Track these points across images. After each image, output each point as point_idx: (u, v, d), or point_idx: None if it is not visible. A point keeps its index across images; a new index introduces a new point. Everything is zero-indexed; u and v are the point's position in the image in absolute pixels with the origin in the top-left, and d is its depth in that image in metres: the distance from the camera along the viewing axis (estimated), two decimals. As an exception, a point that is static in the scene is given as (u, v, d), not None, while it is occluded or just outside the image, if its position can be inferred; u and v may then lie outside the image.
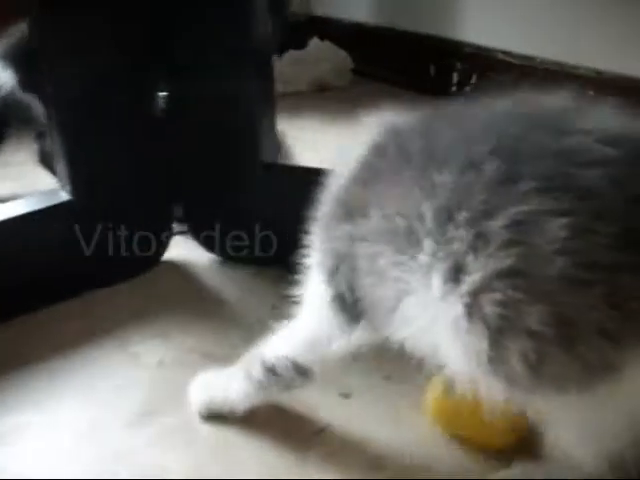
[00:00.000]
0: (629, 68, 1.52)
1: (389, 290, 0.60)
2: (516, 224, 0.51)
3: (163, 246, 1.07)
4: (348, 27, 2.07)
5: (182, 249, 1.11)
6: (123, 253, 1.01)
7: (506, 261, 0.51)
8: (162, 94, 1.00)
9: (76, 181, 0.96)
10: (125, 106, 0.97)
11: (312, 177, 1.07)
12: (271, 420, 0.79)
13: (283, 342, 0.74)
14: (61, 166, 0.97)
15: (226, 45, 0.97)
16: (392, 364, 0.87)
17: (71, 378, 0.85)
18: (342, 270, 0.65)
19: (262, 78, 1.01)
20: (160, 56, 0.97)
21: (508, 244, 0.52)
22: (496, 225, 0.52)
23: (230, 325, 0.94)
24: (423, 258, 0.56)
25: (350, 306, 0.66)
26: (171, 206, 1.07)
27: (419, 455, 0.74)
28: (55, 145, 0.96)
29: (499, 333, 0.53)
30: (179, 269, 1.07)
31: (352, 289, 0.65)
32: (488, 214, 0.52)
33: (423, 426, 0.77)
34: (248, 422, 0.78)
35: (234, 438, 0.77)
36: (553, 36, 1.64)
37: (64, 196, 0.96)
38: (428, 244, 0.56)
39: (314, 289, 0.72)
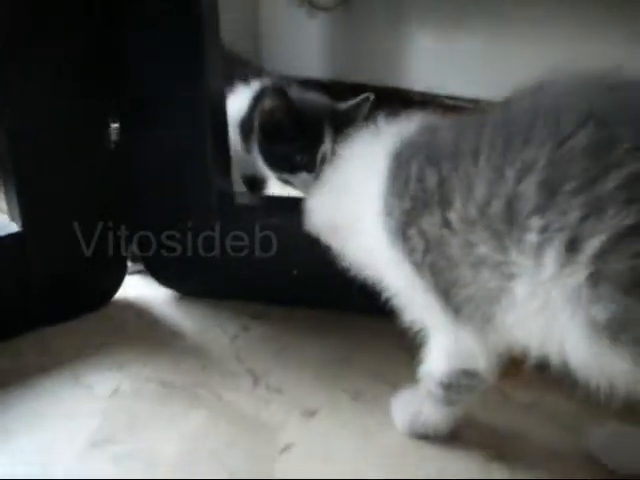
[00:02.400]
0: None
1: (492, 279, 0.59)
2: (629, 183, 0.52)
3: (118, 281, 1.04)
4: (301, 83, 2.10)
5: (138, 285, 1.08)
6: (77, 288, 0.99)
7: (628, 219, 0.52)
8: (114, 126, 0.99)
9: (26, 214, 0.93)
10: (76, 138, 0.95)
11: (271, 206, 1.07)
12: (236, 439, 0.76)
13: (439, 360, 0.71)
14: (10, 198, 0.95)
15: (178, 83, 0.97)
16: (358, 382, 0.85)
17: (24, 410, 0.81)
18: (438, 267, 0.64)
19: (215, 111, 1.01)
20: (113, 88, 0.97)
21: (626, 203, 0.52)
22: (608, 188, 0.53)
23: (188, 355, 0.92)
24: (531, 237, 0.56)
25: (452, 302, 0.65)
26: (124, 242, 1.05)
27: (387, 471, 0.72)
28: (4, 176, 0.94)
29: (635, 287, 0.52)
30: (135, 305, 1.04)
31: (451, 284, 0.64)
32: (597, 179, 0.53)
33: (391, 444, 0.75)
34: (213, 441, 0.75)
35: (198, 458, 0.73)
36: (497, 78, 1.68)
37: (14, 227, 0.94)
38: (536, 222, 0.56)
39: (420, 300, 0.69)
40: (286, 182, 1.16)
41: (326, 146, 1.12)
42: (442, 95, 1.79)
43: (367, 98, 1.19)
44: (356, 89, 1.94)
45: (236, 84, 1.19)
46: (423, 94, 1.83)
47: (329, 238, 0.78)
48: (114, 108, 0.98)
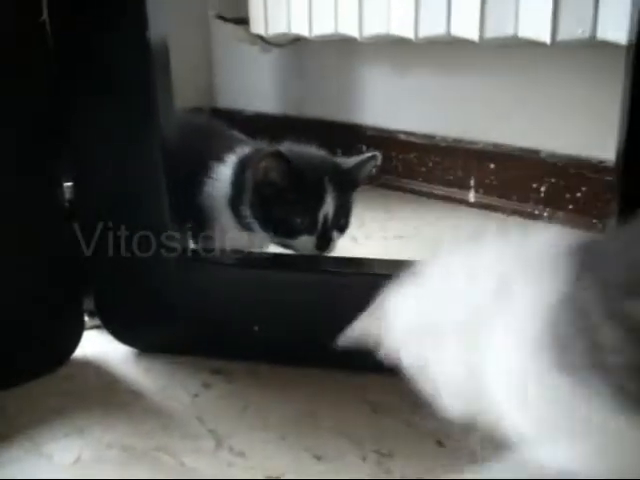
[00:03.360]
0: (526, 141, 1.60)
1: None
2: None
3: (76, 338, 1.03)
4: (253, 118, 2.11)
5: (96, 342, 1.07)
6: (32, 348, 0.97)
7: None
8: (67, 184, 0.98)
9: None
10: (29, 196, 0.95)
11: (230, 262, 1.07)
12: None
13: None
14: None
15: (125, 135, 0.97)
16: (322, 440, 0.85)
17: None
18: None
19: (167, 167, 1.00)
20: (65, 144, 0.96)
21: None
22: None
23: (149, 416, 0.91)
24: None
25: None
26: (81, 299, 1.04)
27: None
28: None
29: None
30: (93, 364, 1.03)
31: None
32: None
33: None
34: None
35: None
36: (450, 114, 1.71)
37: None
38: None
39: None
40: (286, 246, 1.11)
41: (328, 206, 1.07)
42: (395, 130, 1.81)
43: (374, 156, 1.14)
44: (309, 124, 1.96)
45: (220, 156, 1.13)
46: (376, 129, 1.85)
47: (406, 345, 0.63)
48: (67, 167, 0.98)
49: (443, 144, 1.73)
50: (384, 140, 1.83)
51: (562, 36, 1.37)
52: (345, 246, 1.43)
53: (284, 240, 1.09)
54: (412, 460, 0.82)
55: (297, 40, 1.91)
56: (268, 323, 0.98)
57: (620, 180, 0.88)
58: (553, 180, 1.56)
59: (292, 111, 2.03)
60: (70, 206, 0.99)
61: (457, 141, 1.70)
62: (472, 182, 1.68)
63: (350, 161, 1.14)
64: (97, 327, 1.09)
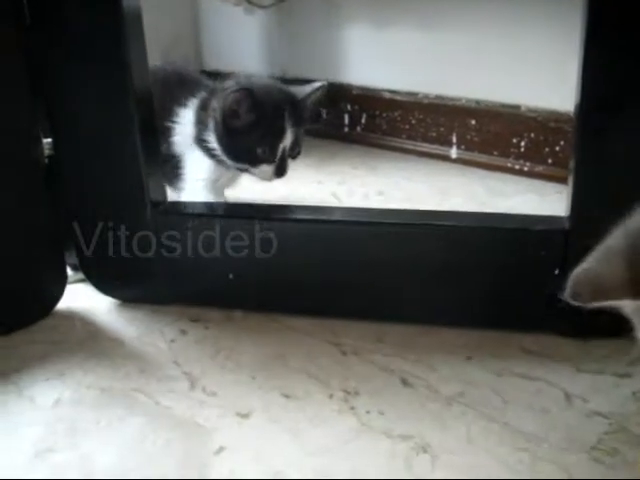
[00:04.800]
0: (507, 96, 1.62)
1: None
2: None
3: (59, 292, 1.07)
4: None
5: (79, 296, 1.10)
6: (17, 300, 1.01)
7: None
8: (47, 140, 1.01)
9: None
10: (9, 153, 0.97)
11: (206, 213, 1.10)
12: (172, 443, 0.79)
13: None
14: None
15: (105, 91, 0.99)
16: (291, 380, 0.89)
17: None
18: None
19: (145, 121, 1.03)
20: (42, 101, 0.99)
21: None
22: None
23: (127, 360, 0.95)
24: None
25: None
26: (63, 253, 1.07)
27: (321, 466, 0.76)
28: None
29: None
30: (77, 315, 1.07)
31: None
32: None
33: (318, 441, 0.79)
34: (149, 447, 0.79)
35: (134, 464, 0.77)
36: (433, 71, 1.72)
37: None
38: None
39: None
40: (247, 172, 1.22)
41: (287, 138, 1.18)
42: (379, 89, 1.83)
43: (322, 86, 1.25)
44: (294, 84, 1.97)
45: (183, 101, 1.24)
46: (361, 88, 1.87)
47: None
48: (46, 123, 1.01)
49: (426, 101, 1.74)
50: (368, 99, 1.84)
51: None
52: (326, 202, 1.47)
53: (246, 167, 1.20)
54: (377, 398, 0.85)
55: (281, 1, 1.93)
56: (242, 271, 1.01)
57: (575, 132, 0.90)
58: (533, 135, 1.58)
59: (278, 72, 2.04)
60: (50, 161, 1.02)
61: (439, 98, 1.72)
62: (454, 139, 1.70)
63: (303, 91, 1.24)
64: (81, 281, 1.13)
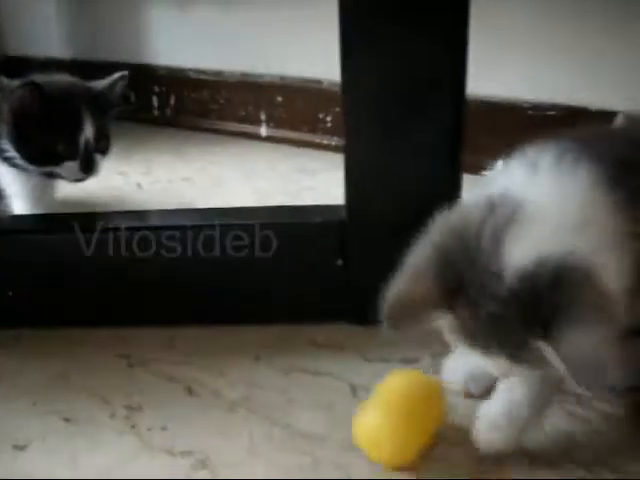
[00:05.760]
0: (308, 71, 1.62)
1: None
2: None
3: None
4: (45, 64, 2.02)
5: None
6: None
7: None
8: None
9: None
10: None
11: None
12: None
13: None
14: None
15: None
16: (73, 402, 0.86)
17: None
18: None
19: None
20: None
21: None
22: None
23: None
24: None
25: None
26: None
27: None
28: None
29: None
30: None
31: None
32: None
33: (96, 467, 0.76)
34: None
35: None
36: (237, 49, 1.70)
37: None
38: None
39: None
40: (54, 176, 1.16)
41: (87, 131, 1.13)
42: (185, 68, 1.79)
43: (122, 76, 1.21)
44: (100, 67, 1.89)
45: None
46: (167, 69, 1.82)
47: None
48: None
49: (232, 80, 1.72)
50: (175, 79, 1.80)
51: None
52: (128, 192, 1.42)
53: (50, 169, 1.13)
54: (160, 411, 0.83)
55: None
56: (20, 287, 0.96)
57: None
58: (337, 109, 1.59)
59: (81, 55, 1.96)
60: None
61: (245, 75, 1.70)
62: (263, 116, 1.69)
63: (101, 83, 1.19)
64: None
